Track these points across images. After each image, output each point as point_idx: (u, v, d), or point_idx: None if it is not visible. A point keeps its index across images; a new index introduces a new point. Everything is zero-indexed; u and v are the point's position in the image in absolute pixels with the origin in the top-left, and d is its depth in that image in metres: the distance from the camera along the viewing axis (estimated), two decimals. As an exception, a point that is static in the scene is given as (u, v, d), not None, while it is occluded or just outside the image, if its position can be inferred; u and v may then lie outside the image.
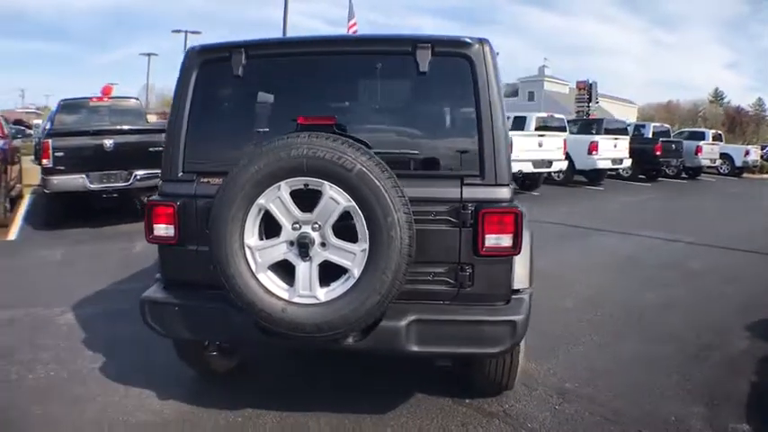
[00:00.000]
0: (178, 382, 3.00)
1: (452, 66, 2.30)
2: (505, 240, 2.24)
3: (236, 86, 2.51)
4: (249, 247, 2.13)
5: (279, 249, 2.12)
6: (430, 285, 2.30)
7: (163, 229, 2.46)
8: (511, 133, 11.16)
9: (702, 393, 2.92)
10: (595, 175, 13.69)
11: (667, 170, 15.78)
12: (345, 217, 2.07)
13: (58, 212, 7.04)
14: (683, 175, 16.87)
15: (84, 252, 5.92)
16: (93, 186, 6.73)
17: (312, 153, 2.01)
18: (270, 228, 2.15)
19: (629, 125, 16.19)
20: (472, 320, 2.24)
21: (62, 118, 8.07)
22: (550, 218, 8.51)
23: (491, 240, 2.23)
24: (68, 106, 8.33)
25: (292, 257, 2.11)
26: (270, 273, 2.15)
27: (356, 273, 2.06)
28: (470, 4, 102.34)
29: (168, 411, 2.75)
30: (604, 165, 13.23)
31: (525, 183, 12.08)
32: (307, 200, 2.09)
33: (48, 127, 8.01)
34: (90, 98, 8.59)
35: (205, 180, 2.41)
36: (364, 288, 2.05)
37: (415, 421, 2.63)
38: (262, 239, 2.15)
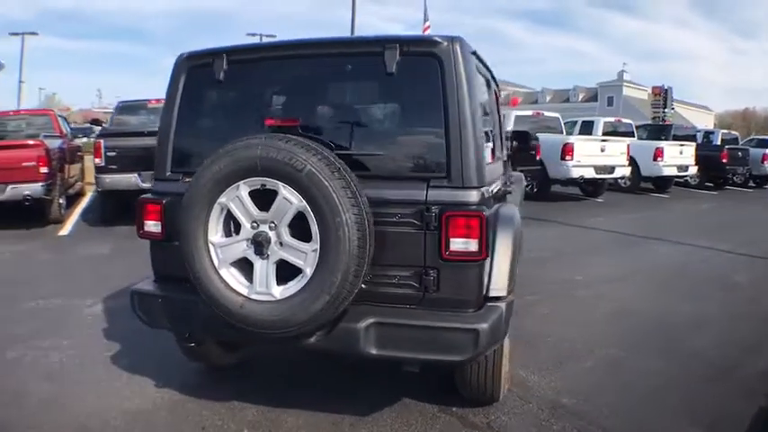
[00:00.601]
0: (180, 373, 3.11)
1: (421, 65, 2.25)
2: (470, 245, 2.15)
3: (218, 90, 2.59)
4: (212, 244, 2.18)
5: (239, 247, 2.16)
6: (395, 288, 2.25)
7: (152, 226, 2.57)
8: (572, 138, 11.05)
9: (706, 416, 2.67)
10: (662, 183, 12.95)
11: (734, 178, 14.67)
12: (302, 217, 2.07)
13: (112, 210, 7.47)
14: (751, 184, 15.61)
15: (128, 248, 6.21)
16: (145, 185, 7.09)
17: (265, 154, 2.04)
18: (233, 226, 2.19)
19: (698, 132, 15.23)
20: (432, 326, 2.16)
21: (120, 119, 8.57)
22: (607, 225, 8.24)
23: (455, 244, 2.15)
24: (126, 108, 8.83)
25: (251, 255, 2.14)
26: (232, 269, 2.19)
27: (308, 272, 2.06)
28: (551, 6, 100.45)
29: (161, 399, 2.85)
30: (670, 172, 12.45)
31: (588, 189, 11.66)
32: (266, 200, 2.11)
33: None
34: (149, 100, 9.07)
35: (188, 179, 2.49)
36: (315, 288, 2.04)
37: (393, 425, 2.58)
38: (224, 237, 2.19)
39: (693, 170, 13.07)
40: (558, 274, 5.39)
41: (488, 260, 2.31)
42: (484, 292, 2.30)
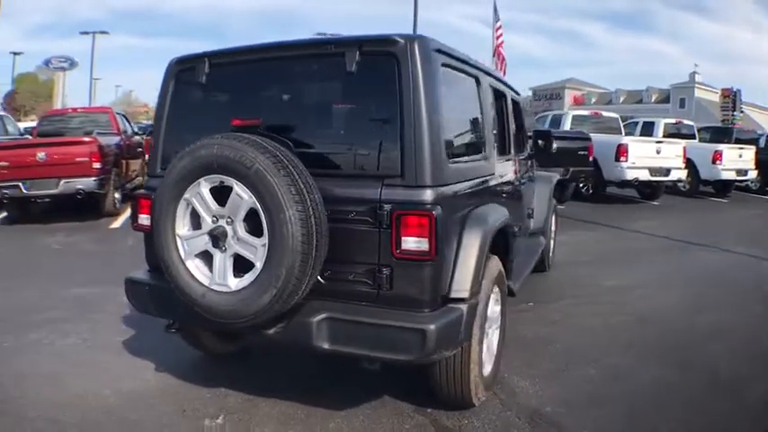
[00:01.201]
0: (180, 359, 3.25)
1: (379, 65, 2.24)
2: (421, 244, 2.12)
3: (201, 92, 2.70)
4: (179, 237, 2.30)
5: (201, 240, 2.25)
6: (352, 285, 2.26)
7: (144, 219, 2.73)
8: (626, 138, 10.53)
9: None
10: (721, 187, 12.03)
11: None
12: (256, 213, 2.12)
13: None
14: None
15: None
16: None
17: (220, 152, 2.13)
18: (198, 220, 2.29)
19: (760, 136, 14.05)
20: (380, 324, 2.14)
21: None
22: (656, 230, 7.80)
23: (406, 243, 2.14)
24: None
25: (211, 248, 2.23)
26: (197, 260, 2.29)
27: (258, 266, 2.12)
28: (626, 7, 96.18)
29: (156, 382, 3.01)
30: (729, 175, 11.54)
31: (645, 191, 11.09)
32: (226, 196, 2.20)
33: None
34: None
35: None
36: (263, 281, 2.10)
37: (364, 421, 2.57)
38: (189, 231, 2.29)
39: (753, 174, 12.10)
40: (589, 279, 5.16)
41: (449, 260, 2.27)
42: (443, 292, 2.25)
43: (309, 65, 2.47)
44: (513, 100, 4.30)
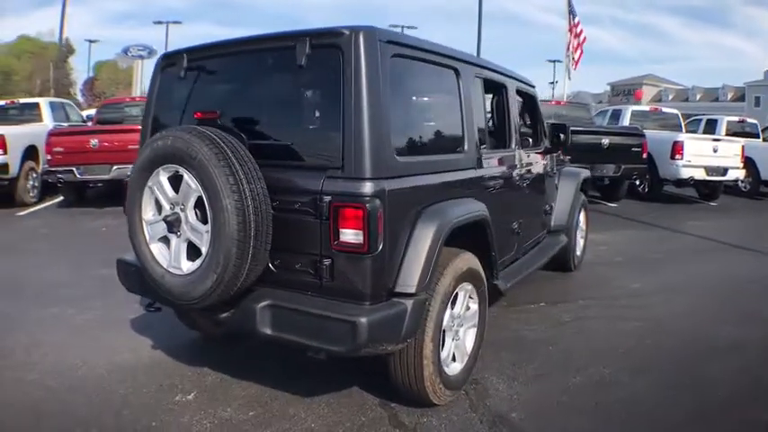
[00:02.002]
0: (176, 339, 3.42)
1: (326, 57, 2.23)
2: (357, 236, 2.11)
3: (180, 86, 2.80)
4: (145, 222, 2.43)
5: (161, 225, 2.38)
6: (299, 275, 2.29)
7: None
8: (681, 135, 9.88)
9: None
10: (783, 188, 11.02)
11: None
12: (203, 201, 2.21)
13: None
14: None
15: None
16: None
17: (173, 144, 2.24)
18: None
19: None
20: (315, 314, 2.17)
21: None
22: (703, 231, 7.32)
23: (344, 235, 2.14)
24: None
25: (168, 233, 2.35)
26: (159, 244, 2.42)
27: (204, 251, 2.21)
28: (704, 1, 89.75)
29: (147, 357, 3.20)
30: (790, 176, 10.55)
31: (703, 191, 10.38)
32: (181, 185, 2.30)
33: None
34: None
35: None
36: (207, 266, 2.18)
37: (321, 410, 2.60)
38: (153, 216, 2.42)
39: None
40: (615, 281, 4.92)
41: (397, 254, 2.24)
42: (388, 286, 2.23)
43: (266, 59, 2.51)
44: (524, 93, 4.13)
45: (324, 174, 2.20)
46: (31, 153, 8.38)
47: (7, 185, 8.07)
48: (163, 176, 2.33)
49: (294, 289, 2.31)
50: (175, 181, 2.31)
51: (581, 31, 17.16)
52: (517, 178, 3.52)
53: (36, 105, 9.77)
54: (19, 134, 8.27)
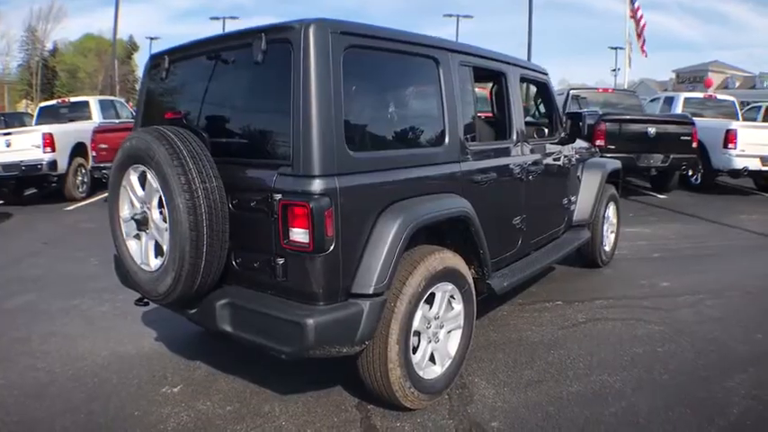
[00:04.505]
0: (179, 333, 3.51)
1: (279, 52, 2.18)
2: (305, 236, 2.06)
3: (162, 86, 2.85)
4: (122, 219, 2.50)
5: (133, 223, 2.44)
6: (257, 273, 2.28)
7: None
8: (735, 123, 9.18)
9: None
10: None
11: None
12: None
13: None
14: None
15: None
16: None
17: (137, 144, 2.29)
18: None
19: None
20: (267, 314, 2.15)
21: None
22: (756, 226, 6.79)
23: (293, 234, 2.10)
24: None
25: (138, 231, 2.42)
26: (134, 241, 2.48)
27: (165, 249, 2.24)
28: None
29: (147, 349, 3.32)
30: None
31: (761, 183, 9.64)
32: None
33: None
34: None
35: None
36: (168, 264, 2.22)
37: (296, 409, 2.59)
38: (128, 214, 2.48)
39: None
40: (644, 279, 4.61)
41: (354, 253, 2.19)
42: (344, 286, 2.17)
43: (229, 57, 2.49)
44: (533, 81, 3.92)
45: (276, 171, 2.17)
46: (79, 150, 8.89)
47: (57, 182, 8.59)
48: (133, 176, 2.39)
49: (256, 288, 2.31)
50: (144, 180, 2.36)
51: (641, 17, 16.39)
52: (518, 171, 3.35)
53: (86, 104, 10.35)
54: (67, 132, 8.79)
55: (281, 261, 2.16)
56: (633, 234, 6.22)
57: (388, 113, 2.59)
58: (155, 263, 2.35)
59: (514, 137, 3.37)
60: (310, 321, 2.03)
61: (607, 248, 4.98)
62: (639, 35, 17.14)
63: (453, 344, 2.72)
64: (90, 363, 3.14)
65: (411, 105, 2.81)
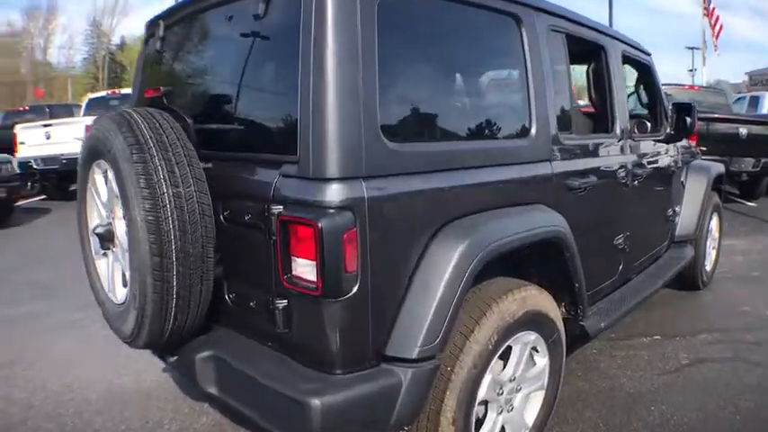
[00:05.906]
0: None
1: (286, 5, 1.49)
2: (309, 270, 1.35)
3: (158, 54, 2.14)
4: (91, 231, 1.83)
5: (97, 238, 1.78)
6: (255, 316, 1.59)
7: None
8: None
9: None
10: None
11: None
12: None
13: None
14: None
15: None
16: None
17: (95, 134, 1.63)
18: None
19: None
20: (260, 383, 1.45)
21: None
22: None
23: (297, 266, 1.38)
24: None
25: (103, 249, 1.76)
26: (104, 260, 1.82)
27: (127, 277, 1.56)
28: None
29: (150, 383, 2.76)
30: None
31: None
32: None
33: None
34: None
35: None
36: (129, 299, 1.55)
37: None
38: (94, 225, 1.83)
39: None
40: (744, 305, 3.75)
41: (391, 298, 1.47)
42: (371, 346, 1.45)
43: (226, 13, 1.79)
44: (635, 61, 3.08)
45: (278, 171, 1.47)
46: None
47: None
48: (98, 175, 1.73)
49: (254, 336, 1.63)
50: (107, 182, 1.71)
51: (717, 17, 16.01)
52: (623, 174, 2.54)
53: (134, 95, 10.12)
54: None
55: (281, 304, 1.46)
56: (727, 247, 5.27)
57: (447, 90, 1.84)
58: (121, 293, 1.69)
59: (618, 131, 2.56)
60: (316, 402, 1.32)
61: (708, 268, 4.12)
62: (718, 34, 16.72)
63: (533, 411, 1.96)
64: (76, 396, 2.61)
65: (481, 80, 2.05)
